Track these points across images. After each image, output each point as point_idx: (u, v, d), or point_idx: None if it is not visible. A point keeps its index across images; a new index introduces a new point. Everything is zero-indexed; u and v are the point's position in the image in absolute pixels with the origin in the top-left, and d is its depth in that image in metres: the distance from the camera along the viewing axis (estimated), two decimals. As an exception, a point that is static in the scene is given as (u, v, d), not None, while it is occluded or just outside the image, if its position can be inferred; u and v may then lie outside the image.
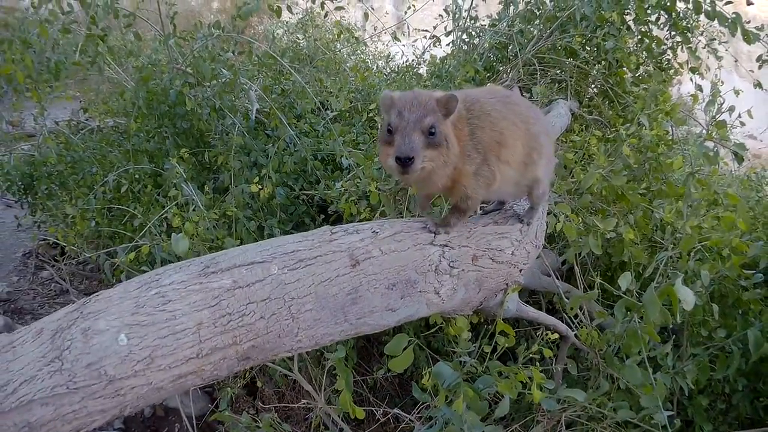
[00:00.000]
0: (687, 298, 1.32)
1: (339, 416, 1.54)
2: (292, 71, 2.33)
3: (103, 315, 0.85)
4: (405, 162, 1.02)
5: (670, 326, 2.01)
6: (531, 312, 1.56)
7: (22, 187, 3.06)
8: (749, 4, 2.69)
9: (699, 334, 2.03)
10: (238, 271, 0.92)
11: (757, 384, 1.97)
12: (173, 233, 2.01)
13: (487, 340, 1.42)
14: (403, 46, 3.94)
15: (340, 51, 4.08)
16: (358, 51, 4.34)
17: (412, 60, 3.53)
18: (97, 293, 0.90)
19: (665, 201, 2.18)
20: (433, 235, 1.16)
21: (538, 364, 1.32)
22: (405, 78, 2.98)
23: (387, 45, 4.99)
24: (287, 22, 3.96)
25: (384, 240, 1.09)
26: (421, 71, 3.82)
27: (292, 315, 0.95)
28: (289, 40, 4.18)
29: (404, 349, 1.18)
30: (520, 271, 1.23)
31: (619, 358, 1.71)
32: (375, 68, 3.92)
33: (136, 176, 2.59)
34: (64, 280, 3.55)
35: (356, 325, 1.02)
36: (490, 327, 1.42)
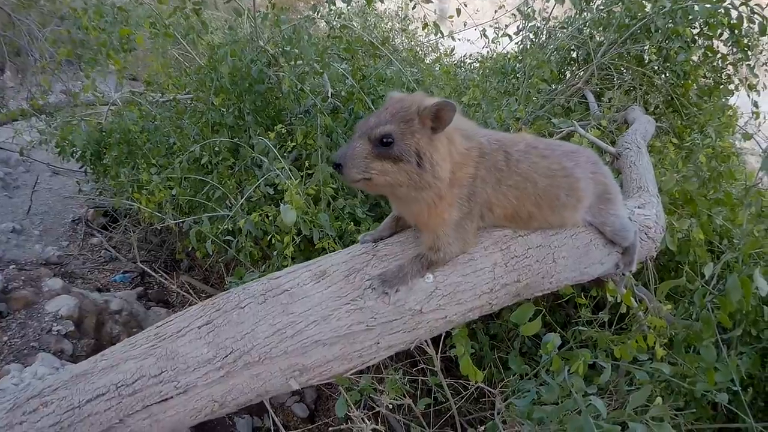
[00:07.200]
0: (762, 286, 1.64)
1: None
2: (392, 58, 2.60)
3: (401, 257, 1.05)
4: (334, 167, 0.98)
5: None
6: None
7: (90, 154, 3.31)
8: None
9: (749, 334, 2.34)
10: (515, 224, 1.23)
11: (797, 385, 2.27)
12: (281, 204, 2.30)
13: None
14: (459, 39, 4.20)
15: (394, 40, 4.35)
16: (414, 43, 4.61)
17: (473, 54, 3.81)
18: (382, 240, 1.11)
19: (723, 208, 2.49)
20: None
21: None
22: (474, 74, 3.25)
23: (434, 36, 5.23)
24: (348, 9, 4.24)
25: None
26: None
27: (554, 260, 1.27)
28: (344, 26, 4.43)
29: (531, 318, 1.48)
30: (655, 248, 1.57)
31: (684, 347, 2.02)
32: (432, 60, 4.19)
33: (216, 149, 2.86)
34: (114, 248, 3.83)
35: (581, 273, 1.36)
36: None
